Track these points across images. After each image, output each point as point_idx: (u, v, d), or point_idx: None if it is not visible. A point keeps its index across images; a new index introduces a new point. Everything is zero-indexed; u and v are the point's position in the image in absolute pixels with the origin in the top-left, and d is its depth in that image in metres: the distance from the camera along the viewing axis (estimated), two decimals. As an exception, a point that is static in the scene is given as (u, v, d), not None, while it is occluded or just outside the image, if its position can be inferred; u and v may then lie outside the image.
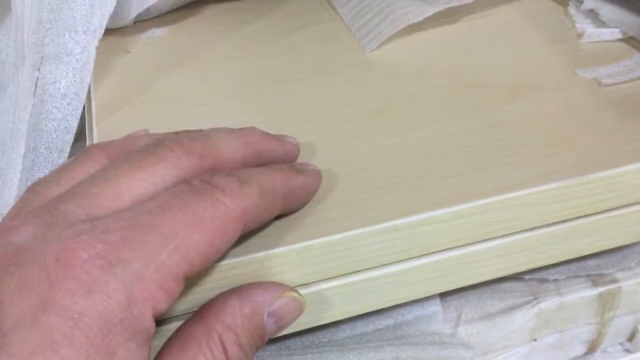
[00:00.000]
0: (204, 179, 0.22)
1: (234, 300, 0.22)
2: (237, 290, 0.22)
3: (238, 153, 0.24)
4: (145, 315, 0.19)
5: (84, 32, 0.31)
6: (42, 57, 0.31)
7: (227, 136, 0.24)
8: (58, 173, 0.23)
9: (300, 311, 0.23)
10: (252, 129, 0.26)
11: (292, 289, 0.23)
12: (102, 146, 0.24)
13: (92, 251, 0.18)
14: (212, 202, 0.20)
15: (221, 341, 0.21)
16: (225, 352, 0.21)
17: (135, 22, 0.39)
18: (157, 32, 0.39)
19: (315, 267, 0.24)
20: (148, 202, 0.20)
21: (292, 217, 0.24)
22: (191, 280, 0.22)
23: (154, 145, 0.22)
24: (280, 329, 0.23)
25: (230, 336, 0.21)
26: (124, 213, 0.20)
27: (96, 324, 0.18)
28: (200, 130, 0.25)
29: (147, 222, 0.20)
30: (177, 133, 0.24)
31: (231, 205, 0.21)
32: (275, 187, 0.23)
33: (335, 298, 0.25)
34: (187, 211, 0.20)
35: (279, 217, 0.24)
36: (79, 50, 0.31)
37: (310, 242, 0.23)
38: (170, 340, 0.22)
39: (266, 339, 0.22)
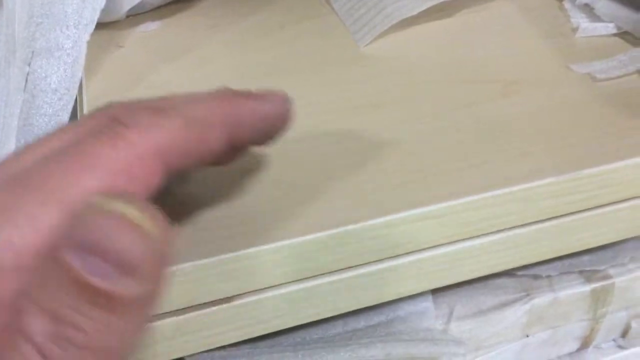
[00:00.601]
0: (112, 116, 0.18)
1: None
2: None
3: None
4: None
5: (75, 27, 0.31)
6: (33, 52, 0.30)
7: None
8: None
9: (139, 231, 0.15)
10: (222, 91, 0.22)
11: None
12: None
13: None
14: (110, 140, 0.17)
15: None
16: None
17: (128, 16, 0.39)
18: (151, 26, 0.38)
19: (307, 263, 0.24)
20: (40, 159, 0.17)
21: (283, 212, 0.24)
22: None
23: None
24: (127, 271, 0.15)
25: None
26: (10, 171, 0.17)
27: None
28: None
29: (23, 178, 0.16)
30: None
31: (138, 142, 0.18)
32: (208, 114, 0.20)
33: (327, 294, 0.25)
34: (77, 157, 0.17)
35: (270, 211, 0.24)
36: (70, 44, 0.31)
37: (302, 238, 0.23)
38: None
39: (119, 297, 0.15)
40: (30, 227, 0.15)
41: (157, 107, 0.19)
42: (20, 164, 0.17)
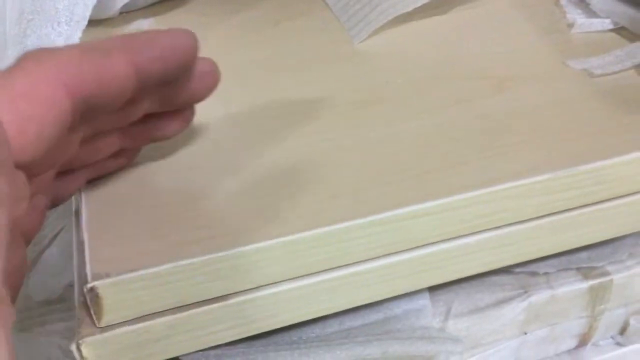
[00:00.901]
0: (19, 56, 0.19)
1: None
2: None
3: None
4: None
5: (67, 23, 0.30)
6: (24, 49, 0.30)
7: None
8: None
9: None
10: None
11: None
12: None
13: None
14: (8, 72, 0.18)
15: None
16: None
17: (121, 13, 0.38)
18: (144, 23, 0.38)
19: (302, 261, 0.24)
20: None
21: (277, 209, 0.24)
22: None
23: None
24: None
25: None
26: None
27: None
28: None
29: None
30: None
31: (35, 69, 0.18)
32: (106, 42, 0.20)
33: (322, 292, 0.25)
34: None
35: (262, 210, 0.24)
36: (62, 41, 0.30)
37: (296, 236, 0.23)
38: None
39: None
40: None
41: (56, 46, 0.19)
42: None
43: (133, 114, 0.24)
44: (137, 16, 0.39)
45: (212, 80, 0.25)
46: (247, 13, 0.39)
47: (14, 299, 0.20)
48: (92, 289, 0.21)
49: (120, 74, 0.20)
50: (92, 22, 0.32)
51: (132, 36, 0.21)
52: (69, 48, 0.19)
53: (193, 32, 0.23)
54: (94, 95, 0.19)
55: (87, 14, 0.31)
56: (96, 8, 0.32)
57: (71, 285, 0.38)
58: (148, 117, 0.25)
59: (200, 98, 0.25)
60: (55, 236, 0.39)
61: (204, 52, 0.35)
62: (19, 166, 0.18)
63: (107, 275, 0.22)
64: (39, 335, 0.34)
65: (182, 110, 0.26)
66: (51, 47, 0.19)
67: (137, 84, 0.21)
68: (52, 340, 0.34)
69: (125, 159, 0.26)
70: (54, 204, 0.24)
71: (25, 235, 0.22)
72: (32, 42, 0.30)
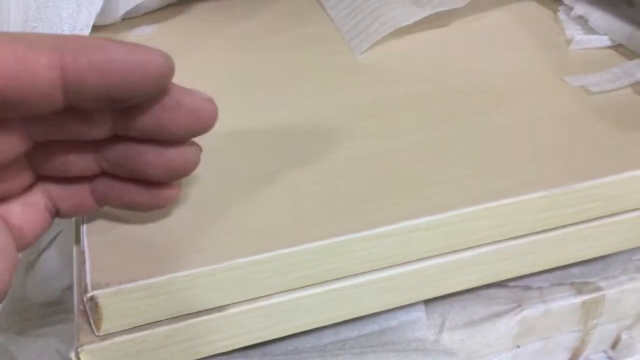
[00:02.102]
0: None
1: None
2: None
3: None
4: None
5: (70, 31, 0.30)
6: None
7: None
8: None
9: None
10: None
11: None
12: None
13: None
14: None
15: None
16: None
17: (123, 20, 0.39)
18: (146, 30, 0.38)
19: (299, 274, 0.24)
20: None
21: (274, 223, 0.24)
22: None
23: None
24: None
25: None
26: None
27: None
28: None
29: None
30: None
31: None
32: (35, 37, 0.18)
33: (319, 305, 0.25)
34: None
35: (260, 222, 0.24)
36: (65, 48, 0.31)
37: (294, 249, 0.23)
38: None
39: None
40: None
41: None
42: None
43: (89, 129, 0.21)
44: (139, 22, 0.39)
45: (197, 118, 0.22)
46: (249, 22, 0.39)
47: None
48: (92, 298, 0.22)
49: (41, 73, 0.18)
50: (94, 28, 0.32)
51: (73, 38, 0.18)
52: None
53: (168, 55, 0.20)
54: (9, 89, 0.17)
55: (91, 21, 0.31)
56: (99, 14, 0.32)
57: (69, 288, 0.38)
58: (132, 169, 0.22)
59: (178, 134, 0.22)
60: (54, 239, 0.40)
61: (204, 59, 0.35)
62: None
63: (107, 285, 0.22)
64: (36, 338, 0.34)
65: (163, 184, 0.23)
66: None
67: (68, 91, 0.18)
68: (49, 343, 0.34)
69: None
70: (60, 214, 0.24)
71: (23, 236, 0.22)
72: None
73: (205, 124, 0.22)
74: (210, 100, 0.22)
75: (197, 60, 0.35)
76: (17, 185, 0.22)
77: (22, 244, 0.22)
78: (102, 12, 0.33)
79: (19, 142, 0.21)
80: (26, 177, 0.22)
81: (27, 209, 0.23)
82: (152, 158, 0.22)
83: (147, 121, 0.21)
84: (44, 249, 0.39)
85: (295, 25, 0.38)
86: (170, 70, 0.20)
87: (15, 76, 0.17)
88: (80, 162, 0.23)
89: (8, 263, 0.20)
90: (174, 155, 0.22)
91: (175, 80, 0.21)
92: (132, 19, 0.39)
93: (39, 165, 0.23)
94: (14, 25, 0.30)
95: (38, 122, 0.20)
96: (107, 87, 0.19)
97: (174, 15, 0.40)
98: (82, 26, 0.31)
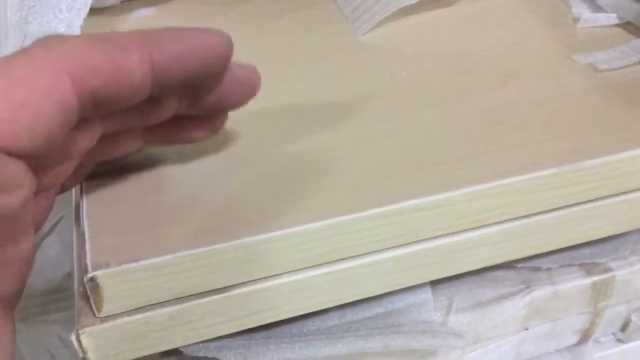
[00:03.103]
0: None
1: None
2: None
3: None
4: None
5: (68, 10, 0.30)
6: (25, 36, 0.30)
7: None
8: None
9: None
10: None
11: None
12: None
13: None
14: (11, 58, 0.17)
15: None
16: None
17: (122, 2, 0.38)
18: (145, 12, 0.38)
19: (305, 254, 0.24)
20: None
21: (280, 202, 0.24)
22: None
23: None
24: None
25: None
26: None
27: None
28: None
29: None
30: None
31: (41, 55, 0.17)
32: (121, 36, 0.19)
33: (324, 285, 0.25)
34: None
35: (265, 201, 0.24)
36: (63, 29, 0.30)
37: (299, 228, 0.23)
38: None
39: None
40: None
41: (70, 35, 0.19)
42: None
43: (157, 115, 0.22)
44: (138, 5, 0.38)
45: (249, 88, 0.24)
46: (250, 4, 0.38)
47: (21, 292, 0.20)
48: (92, 279, 0.21)
49: (135, 70, 0.19)
50: (94, 10, 0.32)
51: (153, 32, 0.20)
52: (81, 37, 0.18)
53: (228, 34, 0.21)
54: (104, 90, 0.18)
55: (89, 1, 0.31)
56: (98, -4, 0.32)
57: (70, 275, 0.37)
58: (175, 119, 0.23)
59: (234, 105, 0.24)
60: (55, 225, 0.39)
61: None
62: (16, 155, 0.17)
63: (108, 265, 0.21)
64: (38, 324, 0.34)
65: (213, 116, 0.24)
66: (64, 35, 0.18)
67: (154, 83, 0.19)
68: (51, 329, 0.34)
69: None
70: (63, 190, 0.24)
71: (38, 223, 0.22)
72: (33, 29, 0.30)
73: (255, 92, 0.24)
74: (255, 69, 0.24)
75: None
76: (60, 177, 0.22)
77: (36, 231, 0.22)
78: (102, -6, 0.32)
79: (92, 137, 0.21)
80: (71, 167, 0.22)
81: (46, 194, 0.22)
82: (199, 125, 0.24)
83: (209, 99, 0.23)
84: (45, 236, 0.39)
85: (298, 7, 0.38)
86: (232, 48, 0.22)
87: (111, 76, 0.18)
88: (129, 144, 0.24)
89: (29, 269, 0.20)
90: (218, 120, 0.25)
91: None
92: (131, 1, 0.38)
93: (89, 153, 0.22)
94: (11, 4, 0.29)
95: (116, 115, 0.21)
96: (187, 74, 0.20)
97: (174, -2, 0.39)
98: (80, 5, 0.30)
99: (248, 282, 0.24)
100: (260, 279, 0.24)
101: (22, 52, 0.18)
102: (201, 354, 0.26)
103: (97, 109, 0.19)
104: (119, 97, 0.19)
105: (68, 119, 0.18)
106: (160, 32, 0.20)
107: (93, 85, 0.18)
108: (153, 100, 0.21)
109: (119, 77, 0.18)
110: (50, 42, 0.18)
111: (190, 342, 0.24)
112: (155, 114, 0.22)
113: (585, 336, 0.33)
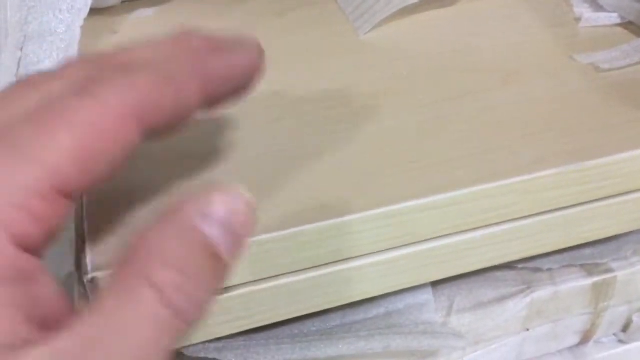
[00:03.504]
0: (85, 75, 0.19)
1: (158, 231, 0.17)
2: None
3: None
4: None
5: (68, 11, 0.30)
6: (25, 36, 0.30)
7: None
8: None
9: (251, 209, 0.18)
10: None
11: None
12: None
13: None
14: (83, 100, 0.17)
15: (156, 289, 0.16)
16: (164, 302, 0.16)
17: (123, 2, 0.38)
18: (146, 12, 0.38)
19: (306, 254, 0.24)
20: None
21: (281, 202, 0.24)
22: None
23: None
24: (237, 243, 0.17)
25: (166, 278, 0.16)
26: None
27: None
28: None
29: (7, 136, 0.17)
30: None
31: (112, 101, 0.18)
32: (181, 70, 0.20)
33: (325, 286, 0.25)
34: (56, 117, 0.17)
35: (266, 201, 0.24)
36: (64, 29, 0.30)
37: (300, 228, 0.23)
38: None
39: (226, 264, 0.17)
40: (15, 187, 0.16)
41: (129, 64, 0.19)
42: (2, 118, 0.18)
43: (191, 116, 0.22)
44: (139, 5, 0.38)
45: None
46: (251, 3, 0.38)
47: None
48: (92, 280, 0.21)
49: (193, 105, 0.20)
50: (94, 10, 0.32)
51: (205, 58, 0.20)
52: (145, 74, 0.19)
53: (258, 41, 0.22)
54: (165, 123, 0.19)
55: (89, 1, 0.30)
56: (98, -4, 0.32)
57: (70, 275, 0.37)
58: None
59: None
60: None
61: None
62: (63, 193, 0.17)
63: (108, 266, 0.21)
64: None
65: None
66: (128, 73, 0.19)
67: (204, 103, 0.21)
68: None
69: None
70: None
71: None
72: (34, 29, 0.30)
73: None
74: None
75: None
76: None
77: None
78: (102, -7, 0.32)
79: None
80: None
81: None
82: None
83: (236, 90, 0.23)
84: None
85: (298, 6, 0.38)
86: (264, 53, 0.23)
87: (174, 114, 0.19)
88: None
89: None
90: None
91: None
92: (132, 1, 0.38)
93: None
94: (11, 4, 0.29)
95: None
96: (232, 85, 0.22)
97: (175, -2, 0.39)
98: (81, 6, 0.30)
99: (248, 282, 0.24)
100: (260, 279, 0.24)
101: (94, 97, 0.18)
102: (202, 355, 0.26)
103: (153, 135, 0.20)
104: (178, 121, 0.20)
105: (125, 155, 0.18)
106: (208, 57, 0.21)
107: (157, 122, 0.19)
108: None
109: (180, 114, 0.20)
110: (118, 82, 0.18)
111: (190, 343, 0.24)
112: (190, 117, 0.22)
113: (586, 337, 0.33)
